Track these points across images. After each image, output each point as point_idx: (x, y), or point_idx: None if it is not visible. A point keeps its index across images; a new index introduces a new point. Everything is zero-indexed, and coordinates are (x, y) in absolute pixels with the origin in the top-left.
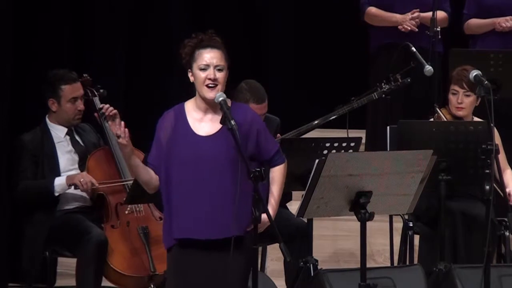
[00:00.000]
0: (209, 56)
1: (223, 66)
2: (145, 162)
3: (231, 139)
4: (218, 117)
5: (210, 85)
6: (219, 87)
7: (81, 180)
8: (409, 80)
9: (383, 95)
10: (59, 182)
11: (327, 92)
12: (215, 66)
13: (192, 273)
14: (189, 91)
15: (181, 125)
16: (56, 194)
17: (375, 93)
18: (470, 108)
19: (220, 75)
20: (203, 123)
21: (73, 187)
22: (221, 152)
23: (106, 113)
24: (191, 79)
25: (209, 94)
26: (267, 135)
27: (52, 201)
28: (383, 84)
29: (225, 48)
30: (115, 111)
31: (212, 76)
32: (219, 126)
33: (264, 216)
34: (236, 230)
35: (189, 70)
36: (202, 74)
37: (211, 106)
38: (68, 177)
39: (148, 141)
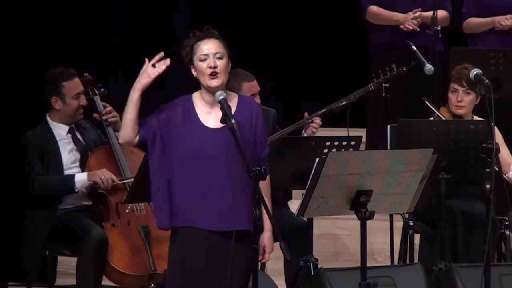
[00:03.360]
0: (208, 46)
1: (222, 54)
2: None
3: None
4: None
5: (212, 73)
6: (221, 75)
7: (102, 177)
8: (404, 69)
9: (382, 84)
10: (81, 178)
11: (327, 89)
12: (215, 54)
13: (194, 261)
14: (194, 86)
15: (189, 116)
16: (77, 190)
17: (371, 84)
18: (470, 107)
19: (220, 63)
20: (211, 115)
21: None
22: (229, 145)
23: (105, 118)
24: (194, 74)
25: (213, 82)
26: (265, 134)
27: (56, 199)
28: (379, 74)
29: (224, 39)
30: (115, 118)
31: (212, 64)
32: None
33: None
34: (239, 225)
35: (191, 66)
36: (203, 64)
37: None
38: (90, 174)
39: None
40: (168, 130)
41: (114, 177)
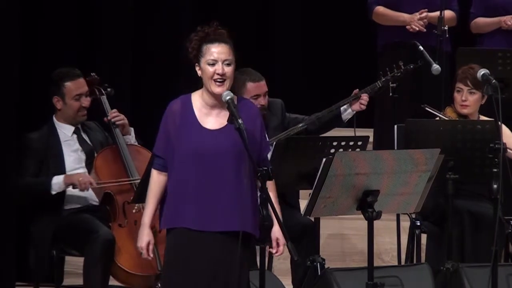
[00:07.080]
0: (217, 51)
1: (231, 61)
2: (152, 155)
3: (236, 135)
4: (224, 112)
5: (218, 80)
6: (227, 82)
7: (80, 179)
8: (412, 66)
9: (389, 83)
10: (56, 180)
11: (334, 90)
12: (224, 61)
13: (190, 263)
14: (196, 85)
15: (188, 116)
16: (53, 192)
17: (378, 81)
18: (475, 106)
19: (228, 70)
20: (210, 117)
21: (71, 186)
22: (226, 147)
23: (113, 120)
24: (199, 73)
25: (217, 89)
26: (264, 134)
27: (57, 199)
28: (387, 71)
29: (232, 40)
30: (122, 121)
31: (220, 71)
32: (225, 121)
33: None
34: (242, 226)
35: (197, 64)
36: (211, 69)
37: (218, 101)
38: (67, 177)
39: (155, 139)
40: (171, 135)
41: (92, 180)
